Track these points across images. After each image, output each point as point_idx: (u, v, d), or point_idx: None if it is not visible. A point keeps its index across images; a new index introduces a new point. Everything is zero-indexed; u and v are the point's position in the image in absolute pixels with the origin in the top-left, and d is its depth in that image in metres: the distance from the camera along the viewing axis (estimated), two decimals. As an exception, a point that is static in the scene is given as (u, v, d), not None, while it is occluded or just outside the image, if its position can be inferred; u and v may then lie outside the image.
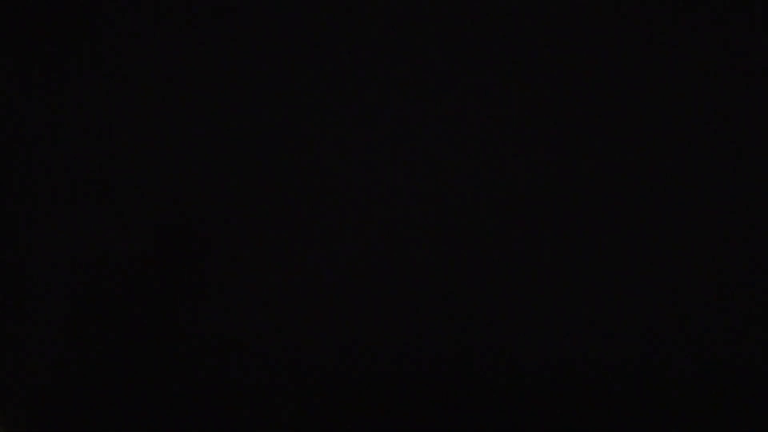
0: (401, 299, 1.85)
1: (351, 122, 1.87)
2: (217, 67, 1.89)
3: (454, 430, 1.85)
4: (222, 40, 1.89)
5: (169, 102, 1.89)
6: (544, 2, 1.84)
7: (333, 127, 1.87)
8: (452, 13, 1.86)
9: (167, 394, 1.88)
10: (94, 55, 1.90)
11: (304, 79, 1.87)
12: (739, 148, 1.81)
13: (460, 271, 1.85)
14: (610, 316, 1.83)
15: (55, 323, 1.90)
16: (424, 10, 1.86)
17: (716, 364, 1.81)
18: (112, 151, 1.90)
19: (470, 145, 1.85)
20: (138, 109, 1.89)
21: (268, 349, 1.87)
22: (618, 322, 1.83)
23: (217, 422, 1.88)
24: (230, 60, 1.89)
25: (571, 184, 1.83)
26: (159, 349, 1.88)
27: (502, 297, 1.84)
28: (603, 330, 1.83)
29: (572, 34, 1.84)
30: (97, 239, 1.89)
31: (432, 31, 1.86)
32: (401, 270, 1.85)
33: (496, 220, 1.84)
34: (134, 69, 1.90)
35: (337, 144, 1.87)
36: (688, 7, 1.82)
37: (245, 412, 1.87)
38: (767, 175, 1.81)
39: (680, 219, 1.82)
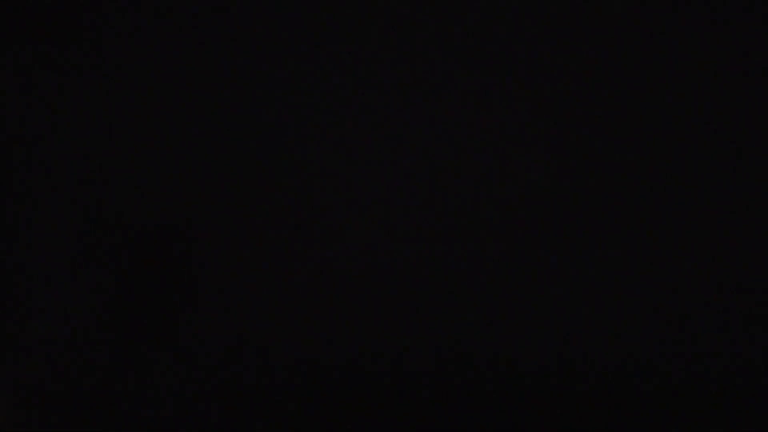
0: (395, 301, 1.85)
1: (348, 122, 1.87)
2: (211, 66, 1.89)
3: (454, 430, 1.85)
4: (209, 47, 1.89)
5: (159, 102, 1.89)
6: (544, 2, 1.84)
7: (326, 127, 1.87)
8: (452, 13, 1.86)
9: (165, 395, 1.88)
10: (77, 58, 1.90)
11: (295, 79, 1.87)
12: (739, 149, 1.81)
13: (458, 271, 1.85)
14: (610, 317, 1.83)
15: (54, 323, 1.90)
16: (424, 10, 1.86)
17: (716, 365, 1.81)
18: (105, 152, 1.90)
19: (470, 145, 1.85)
20: (127, 111, 1.90)
21: (263, 349, 1.87)
22: (618, 323, 1.83)
23: (216, 422, 1.88)
24: (221, 61, 1.89)
25: (570, 185, 1.83)
26: (157, 349, 1.88)
27: (502, 297, 1.84)
28: (603, 331, 1.83)
29: (572, 35, 1.84)
30: (95, 239, 1.89)
31: (432, 31, 1.86)
32: (396, 271, 1.85)
33: (496, 221, 1.84)
34: (118, 73, 1.90)
35: (329, 144, 1.87)
36: (688, 7, 1.82)
37: (241, 413, 1.88)
38: (767, 175, 1.81)
39: (680, 220, 1.82)
